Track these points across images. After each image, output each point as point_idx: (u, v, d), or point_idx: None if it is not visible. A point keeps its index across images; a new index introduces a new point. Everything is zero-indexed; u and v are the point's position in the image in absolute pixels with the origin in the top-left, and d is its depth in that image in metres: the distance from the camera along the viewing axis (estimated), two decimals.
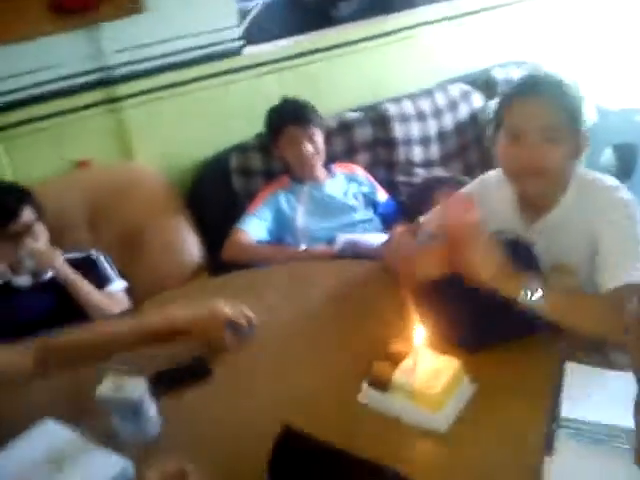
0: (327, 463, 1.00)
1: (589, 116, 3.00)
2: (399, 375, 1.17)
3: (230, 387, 1.33)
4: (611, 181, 1.43)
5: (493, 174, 1.61)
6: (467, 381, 1.20)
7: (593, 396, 1.23)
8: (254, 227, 2.30)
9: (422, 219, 1.68)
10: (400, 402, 1.16)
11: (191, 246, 2.33)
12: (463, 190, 1.66)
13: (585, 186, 1.42)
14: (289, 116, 2.35)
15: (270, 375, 1.35)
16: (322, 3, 2.66)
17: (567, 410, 1.21)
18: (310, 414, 1.18)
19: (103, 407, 1.19)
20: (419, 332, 1.19)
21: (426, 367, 1.17)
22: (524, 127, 1.38)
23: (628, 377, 1.20)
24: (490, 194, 1.57)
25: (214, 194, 2.50)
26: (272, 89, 2.54)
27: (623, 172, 2.40)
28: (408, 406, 1.15)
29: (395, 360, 1.20)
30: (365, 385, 1.21)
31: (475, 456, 1.08)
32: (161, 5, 2.34)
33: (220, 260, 2.26)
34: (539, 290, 1.22)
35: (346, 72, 2.76)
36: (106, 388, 1.19)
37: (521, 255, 1.36)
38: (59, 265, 2.00)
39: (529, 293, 1.22)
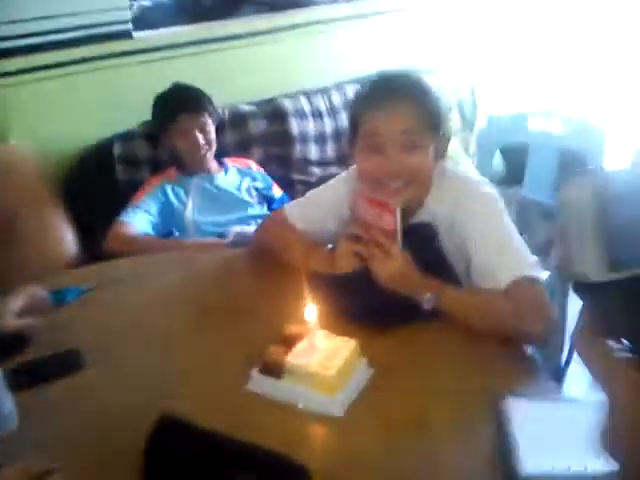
0: (214, 454, 0.88)
1: (478, 122, 3.10)
2: (293, 358, 1.08)
3: (105, 378, 1.18)
4: (473, 176, 1.41)
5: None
6: (365, 364, 1.13)
7: (547, 438, 0.95)
8: (138, 220, 2.14)
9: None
10: (294, 387, 1.07)
11: (67, 238, 2.09)
12: (330, 183, 1.56)
13: (448, 184, 1.37)
14: (180, 103, 2.22)
15: (150, 364, 1.22)
16: None
17: (530, 466, 0.92)
18: (194, 406, 1.06)
19: None
20: (312, 312, 1.11)
21: (322, 348, 1.09)
22: (381, 133, 1.29)
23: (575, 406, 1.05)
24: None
25: (96, 183, 2.31)
26: (163, 76, 2.38)
27: (514, 175, 2.45)
28: (303, 389, 1.06)
29: (289, 343, 1.11)
30: (255, 372, 1.11)
31: (374, 441, 1.00)
32: None
33: (100, 254, 2.09)
34: (433, 298, 1.24)
35: (241, 64, 2.66)
36: None
37: (423, 242, 1.33)
38: None
39: (425, 300, 1.24)
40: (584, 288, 0.44)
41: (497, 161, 2.75)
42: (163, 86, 2.26)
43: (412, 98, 1.31)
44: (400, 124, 1.29)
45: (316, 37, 2.84)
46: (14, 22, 2.18)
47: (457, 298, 1.26)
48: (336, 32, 2.89)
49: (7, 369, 1.08)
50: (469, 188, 1.35)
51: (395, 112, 1.29)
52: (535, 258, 1.26)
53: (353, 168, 1.50)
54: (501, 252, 1.26)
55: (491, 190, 1.35)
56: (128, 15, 2.40)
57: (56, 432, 1.05)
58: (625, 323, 0.43)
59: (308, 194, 1.57)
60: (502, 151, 2.70)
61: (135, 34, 2.44)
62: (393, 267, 1.24)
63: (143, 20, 2.48)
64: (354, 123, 1.36)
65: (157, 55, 2.48)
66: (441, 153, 1.36)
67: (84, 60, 2.34)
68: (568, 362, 1.49)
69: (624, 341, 0.44)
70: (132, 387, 1.15)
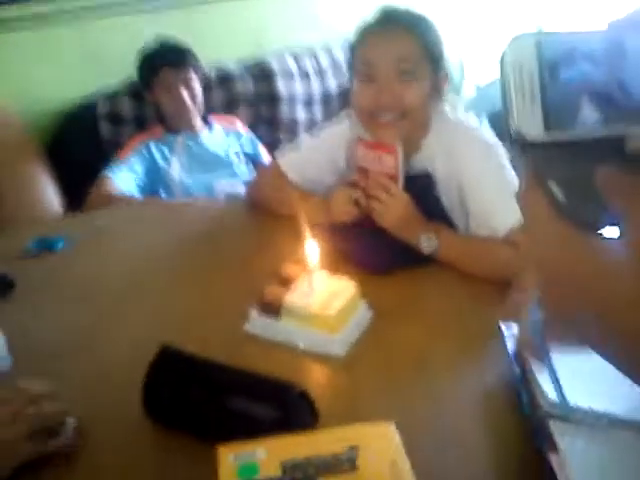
0: (212, 381, 0.86)
1: (465, 91, 3.09)
2: (292, 298, 1.06)
3: (102, 327, 1.16)
4: (473, 122, 1.39)
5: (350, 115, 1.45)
6: (365, 306, 1.11)
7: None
8: (122, 177, 2.09)
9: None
10: (294, 327, 1.05)
11: (49, 195, 2.08)
12: (324, 132, 1.52)
13: (446, 128, 1.34)
14: (164, 58, 2.15)
15: (145, 313, 1.19)
16: None
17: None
18: (193, 349, 1.03)
19: None
20: (313, 252, 1.08)
21: (321, 289, 1.07)
22: (376, 62, 1.26)
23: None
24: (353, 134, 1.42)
25: (79, 142, 2.26)
26: (147, 32, 2.33)
27: (501, 138, 2.46)
28: (303, 330, 1.04)
29: (287, 283, 1.09)
30: (253, 312, 1.09)
31: (375, 379, 0.98)
32: None
33: (82, 211, 2.04)
34: (434, 239, 1.23)
35: (227, 21, 2.59)
36: None
37: (422, 192, 1.31)
38: None
39: (425, 242, 1.23)
40: (520, 146, 0.43)
41: (485, 128, 2.75)
42: (145, 42, 2.20)
43: (409, 27, 1.28)
44: (394, 52, 1.26)
45: None
46: None
47: (457, 240, 1.25)
48: None
49: None
50: (468, 133, 1.33)
51: (390, 39, 1.27)
52: None
53: (344, 115, 1.47)
54: (499, 199, 1.24)
55: (491, 137, 1.33)
56: None
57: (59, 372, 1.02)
58: (556, 177, 0.42)
59: (303, 145, 1.53)
60: (490, 118, 2.69)
61: None
62: (396, 208, 1.23)
63: None
64: (351, 56, 1.33)
65: (142, 9, 2.41)
66: (439, 91, 1.33)
67: (65, 12, 2.27)
68: None
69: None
70: (128, 335, 1.12)
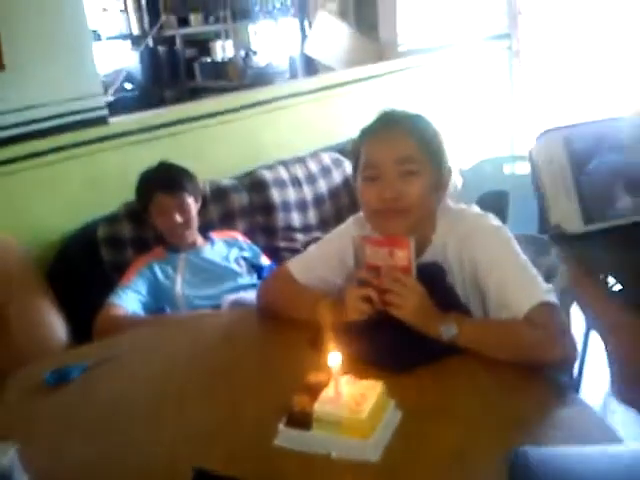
0: None
1: (455, 180, 3.18)
2: (320, 406, 1.05)
3: (122, 450, 1.13)
4: (476, 210, 1.43)
5: (357, 218, 1.50)
6: (393, 405, 1.09)
7: None
8: (127, 300, 2.09)
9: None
10: (326, 436, 1.03)
11: (55, 326, 2.08)
12: (330, 235, 1.57)
13: (454, 218, 1.39)
14: (159, 184, 2.21)
15: (170, 431, 1.16)
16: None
17: None
18: (223, 467, 1.01)
19: None
20: (335, 358, 1.08)
21: (349, 394, 1.06)
22: (379, 162, 1.32)
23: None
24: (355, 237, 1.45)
25: (80, 268, 2.28)
26: (142, 158, 2.41)
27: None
28: (335, 438, 1.02)
29: (314, 392, 1.08)
30: (282, 426, 1.07)
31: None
32: (20, 67, 2.19)
33: (90, 337, 2.02)
34: (453, 326, 1.23)
35: (218, 140, 2.71)
36: None
37: (435, 281, 1.32)
38: None
39: (445, 330, 1.23)
40: (561, 240, 0.45)
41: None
42: (142, 168, 2.27)
43: (408, 127, 1.34)
44: (395, 152, 1.32)
45: (284, 112, 2.92)
46: None
47: (476, 325, 1.26)
48: (304, 107, 2.98)
49: None
50: (476, 221, 1.37)
51: (390, 140, 1.33)
52: (549, 285, 1.27)
53: (351, 220, 1.51)
54: (516, 281, 1.26)
55: (497, 222, 1.37)
56: (102, 102, 2.44)
57: None
58: (606, 267, 0.44)
59: (309, 248, 1.56)
60: (479, 201, 2.76)
61: (110, 119, 2.47)
62: (413, 300, 1.24)
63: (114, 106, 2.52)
64: (355, 157, 1.39)
65: (134, 138, 2.51)
66: (441, 185, 1.37)
67: (62, 148, 2.35)
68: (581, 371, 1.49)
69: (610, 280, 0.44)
70: (156, 457, 1.09)
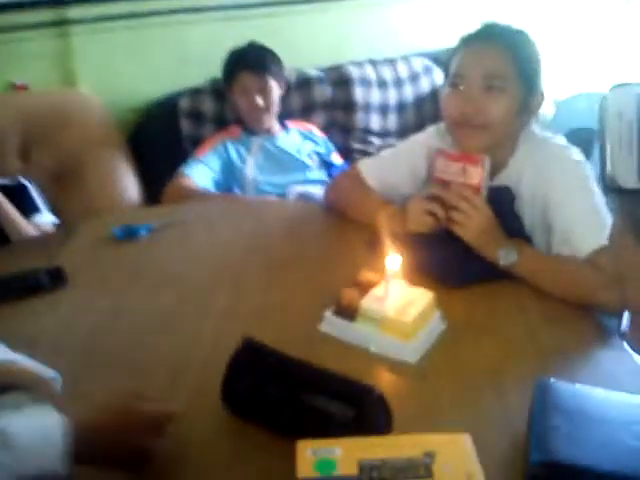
0: (296, 379, 0.88)
1: (546, 108, 3.04)
2: (368, 302, 1.08)
3: (183, 299, 1.21)
4: (561, 141, 1.37)
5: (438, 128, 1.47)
6: (439, 316, 1.12)
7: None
8: (200, 173, 2.15)
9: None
10: (368, 330, 1.06)
11: (130, 185, 2.17)
12: (406, 142, 1.55)
13: (535, 146, 1.34)
14: (246, 63, 2.20)
15: (222, 305, 1.22)
16: None
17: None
18: (265, 340, 1.06)
19: None
20: (392, 261, 1.10)
21: (397, 296, 1.08)
22: (466, 73, 1.29)
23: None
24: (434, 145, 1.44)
25: (160, 136, 2.34)
26: (233, 35, 2.39)
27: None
28: (377, 334, 1.06)
29: (364, 288, 1.11)
30: (328, 314, 1.11)
31: (448, 390, 0.99)
32: None
33: (159, 203, 2.10)
34: (514, 253, 1.23)
35: (310, 29, 2.65)
36: None
37: (502, 205, 1.30)
38: None
39: (504, 255, 1.23)
40: (614, 191, 0.47)
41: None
42: (232, 45, 2.26)
43: (505, 42, 1.29)
44: (485, 66, 1.27)
45: (387, 7, 2.81)
46: None
47: (537, 257, 1.25)
48: (406, 5, 2.86)
49: None
50: (558, 152, 1.32)
51: (483, 53, 1.29)
52: None
53: (431, 129, 1.49)
54: (585, 219, 1.23)
55: (579, 157, 1.32)
56: None
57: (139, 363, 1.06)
58: None
59: (383, 153, 1.55)
60: (568, 135, 2.64)
61: None
62: (479, 221, 1.23)
63: None
64: (448, 65, 1.35)
65: (228, 14, 2.47)
66: (529, 109, 1.32)
67: (155, 13, 2.35)
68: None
69: None
70: (206, 324, 1.15)
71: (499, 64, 1.27)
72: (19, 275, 1.24)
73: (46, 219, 1.93)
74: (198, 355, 1.05)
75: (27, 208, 1.89)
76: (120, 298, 1.22)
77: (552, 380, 0.90)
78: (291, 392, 0.86)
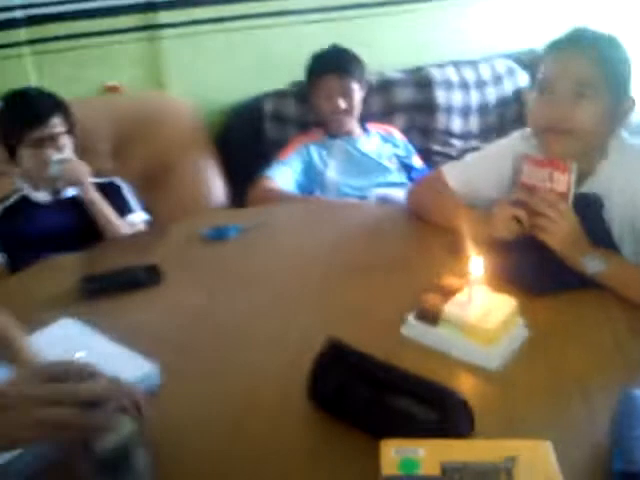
0: (382, 381, 0.91)
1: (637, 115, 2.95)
2: (451, 307, 1.09)
3: (270, 298, 1.26)
4: None
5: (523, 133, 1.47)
6: (522, 323, 1.12)
7: None
8: (282, 175, 2.21)
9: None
10: (450, 335, 1.08)
11: (216, 186, 2.25)
12: (491, 147, 1.56)
13: (627, 153, 1.31)
14: (329, 65, 2.25)
15: (306, 305, 1.26)
16: None
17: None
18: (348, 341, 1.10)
19: None
20: (476, 266, 1.11)
21: (481, 302, 1.09)
22: (555, 78, 1.28)
23: None
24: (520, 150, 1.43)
25: (245, 138, 2.42)
26: (317, 38, 2.44)
27: None
28: (459, 340, 1.07)
29: (446, 293, 1.12)
30: (411, 317, 1.13)
31: (531, 398, 0.99)
32: None
33: (243, 204, 2.17)
34: (601, 261, 1.21)
35: (392, 31, 2.67)
36: None
37: (589, 213, 1.29)
38: (87, 180, 1.91)
39: (590, 262, 1.22)
40: None
41: None
42: (315, 48, 2.31)
43: (595, 49, 1.27)
44: (574, 73, 1.26)
45: (468, 9, 2.80)
46: None
47: (625, 266, 1.23)
48: (489, 6, 2.83)
49: None
50: None
51: (572, 59, 1.28)
52: None
53: (516, 134, 1.48)
54: None
55: None
56: None
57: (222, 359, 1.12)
58: None
59: (468, 157, 1.56)
60: None
61: None
62: (565, 227, 1.22)
63: None
64: (536, 69, 1.35)
65: (311, 17, 2.53)
66: (618, 115, 1.30)
67: (242, 17, 2.43)
68: None
69: None
70: (292, 322, 1.20)
71: (588, 71, 1.26)
72: (119, 271, 1.32)
73: (138, 217, 2.03)
74: (284, 353, 1.09)
75: (121, 208, 1.99)
76: (211, 296, 1.29)
77: (638, 391, 0.90)
78: (376, 393, 0.89)
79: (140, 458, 0.75)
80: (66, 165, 1.87)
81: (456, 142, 2.61)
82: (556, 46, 1.32)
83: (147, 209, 2.09)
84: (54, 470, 0.83)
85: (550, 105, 1.28)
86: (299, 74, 2.34)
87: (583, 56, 1.27)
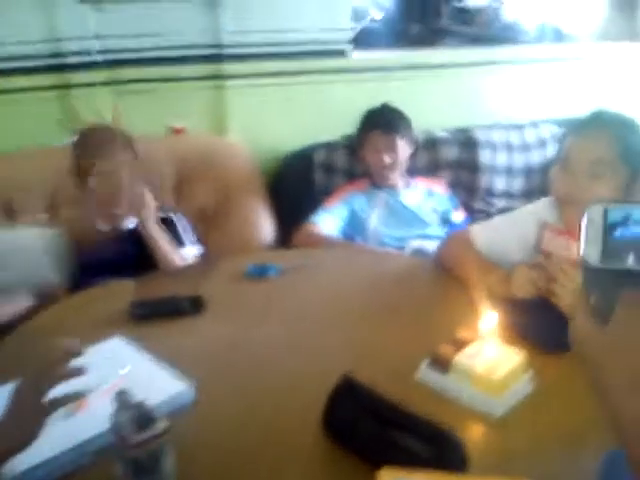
0: (388, 418, 1.01)
1: None
2: (461, 358, 1.19)
3: (284, 348, 1.37)
4: None
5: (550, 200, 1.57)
6: (528, 378, 1.20)
7: None
8: (327, 222, 2.34)
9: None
10: (459, 383, 1.17)
11: (266, 228, 2.40)
12: (518, 212, 1.66)
13: None
14: (377, 122, 2.39)
15: (332, 332, 1.39)
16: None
17: None
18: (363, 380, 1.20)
19: None
20: (489, 320, 1.21)
21: (490, 354, 1.19)
22: (573, 158, 1.40)
23: None
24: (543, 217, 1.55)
25: (296, 184, 2.57)
26: (370, 96, 2.60)
27: None
28: (467, 388, 1.16)
29: (460, 345, 1.22)
30: (425, 364, 1.23)
31: (528, 445, 1.07)
32: None
33: (289, 247, 2.31)
34: None
35: (441, 92, 2.82)
36: None
37: None
38: (148, 217, 1.98)
39: None
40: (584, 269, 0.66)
41: None
42: (369, 104, 2.46)
43: (613, 133, 1.38)
44: (592, 154, 1.38)
45: (515, 74, 2.92)
46: (244, 32, 2.51)
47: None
48: (537, 72, 2.95)
49: None
50: None
51: (591, 142, 1.39)
52: None
53: (543, 201, 1.58)
54: None
55: None
56: (348, 36, 2.64)
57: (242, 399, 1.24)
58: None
59: (496, 219, 1.67)
60: None
61: (350, 53, 2.68)
62: (573, 293, 1.30)
63: (354, 41, 2.72)
64: (560, 145, 1.48)
65: (368, 75, 2.70)
66: (633, 191, 1.39)
67: (301, 72, 2.62)
68: None
69: None
70: (314, 357, 1.32)
71: (606, 151, 1.36)
72: (166, 299, 1.47)
73: (191, 252, 2.18)
74: (306, 385, 1.20)
75: (173, 241, 2.14)
76: (246, 328, 1.42)
77: (620, 451, 0.96)
78: (381, 428, 1.00)
79: (169, 460, 0.87)
80: (135, 196, 1.96)
81: (497, 201, 2.70)
82: (578, 128, 1.45)
83: (203, 242, 2.24)
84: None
85: (568, 180, 1.40)
86: (351, 128, 2.49)
87: (601, 137, 1.38)
